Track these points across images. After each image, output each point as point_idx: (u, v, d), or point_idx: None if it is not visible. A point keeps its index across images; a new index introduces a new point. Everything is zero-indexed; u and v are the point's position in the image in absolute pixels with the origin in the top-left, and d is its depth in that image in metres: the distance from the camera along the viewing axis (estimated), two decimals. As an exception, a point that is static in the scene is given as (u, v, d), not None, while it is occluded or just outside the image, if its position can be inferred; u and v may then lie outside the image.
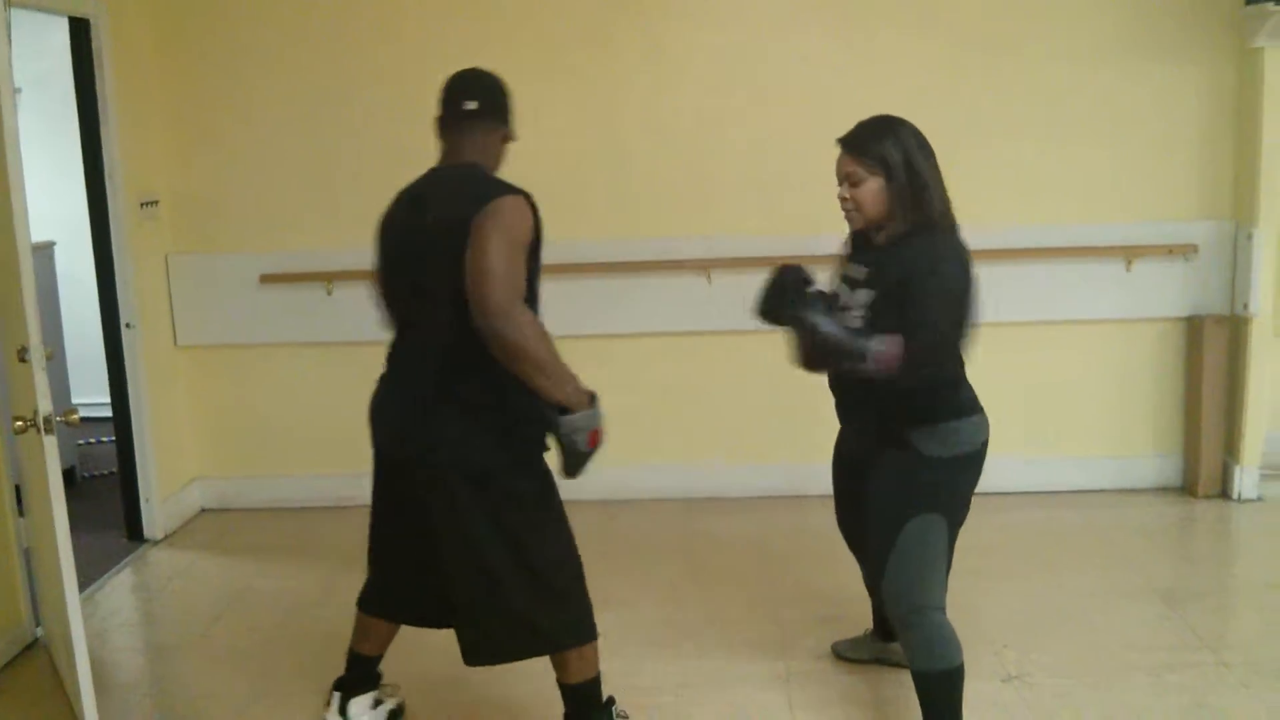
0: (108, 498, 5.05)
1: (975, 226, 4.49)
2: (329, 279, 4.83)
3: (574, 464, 2.71)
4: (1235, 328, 4.71)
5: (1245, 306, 4.65)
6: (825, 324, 2.70)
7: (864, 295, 2.82)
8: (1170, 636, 3.66)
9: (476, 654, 2.88)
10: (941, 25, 4.68)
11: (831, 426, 3.19)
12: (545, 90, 4.64)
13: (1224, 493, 4.82)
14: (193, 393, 5.04)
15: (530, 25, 4.74)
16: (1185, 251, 4.71)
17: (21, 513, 3.79)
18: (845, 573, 3.56)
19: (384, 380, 2.92)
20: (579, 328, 4.52)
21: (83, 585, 4.10)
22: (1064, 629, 3.73)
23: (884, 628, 3.43)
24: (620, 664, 3.48)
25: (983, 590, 4.00)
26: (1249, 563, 4.39)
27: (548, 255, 2.79)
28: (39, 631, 3.83)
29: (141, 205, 4.68)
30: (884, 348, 2.66)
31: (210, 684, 3.57)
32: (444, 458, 2.73)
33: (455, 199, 2.68)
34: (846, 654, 3.56)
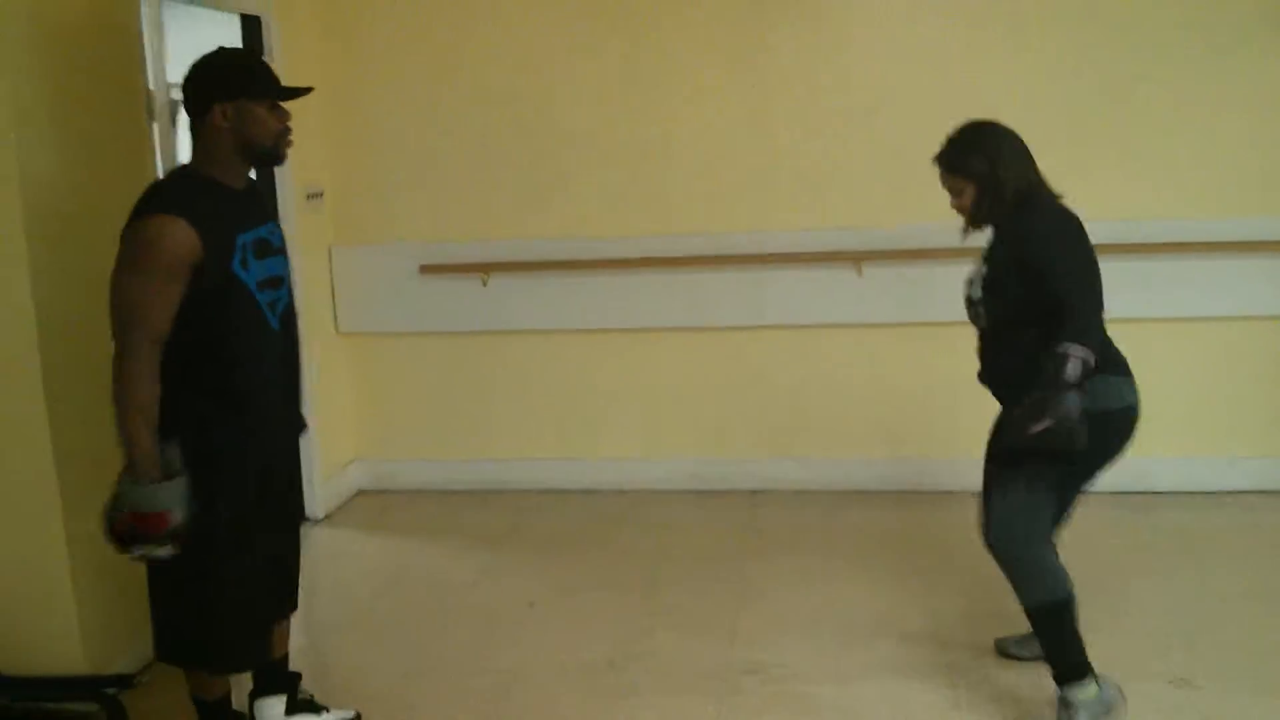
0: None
1: (1131, 222, 4.49)
2: (485, 270, 4.94)
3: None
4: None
5: None
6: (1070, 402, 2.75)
7: (983, 269, 3.05)
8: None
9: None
10: (1090, 13, 4.58)
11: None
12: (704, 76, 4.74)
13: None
14: (352, 378, 5.21)
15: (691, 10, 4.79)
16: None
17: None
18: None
19: None
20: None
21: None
22: (1227, 632, 3.62)
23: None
24: (775, 654, 3.53)
25: (1142, 589, 3.93)
26: None
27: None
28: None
29: (308, 197, 4.84)
30: (1067, 352, 2.73)
31: (370, 658, 3.68)
32: None
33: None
34: (1011, 651, 3.52)
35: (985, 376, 3.14)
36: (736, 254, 4.81)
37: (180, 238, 2.49)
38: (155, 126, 3.75)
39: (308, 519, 4.90)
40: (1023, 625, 3.43)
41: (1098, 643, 3.47)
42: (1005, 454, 3.02)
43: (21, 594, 3.35)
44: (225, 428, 2.68)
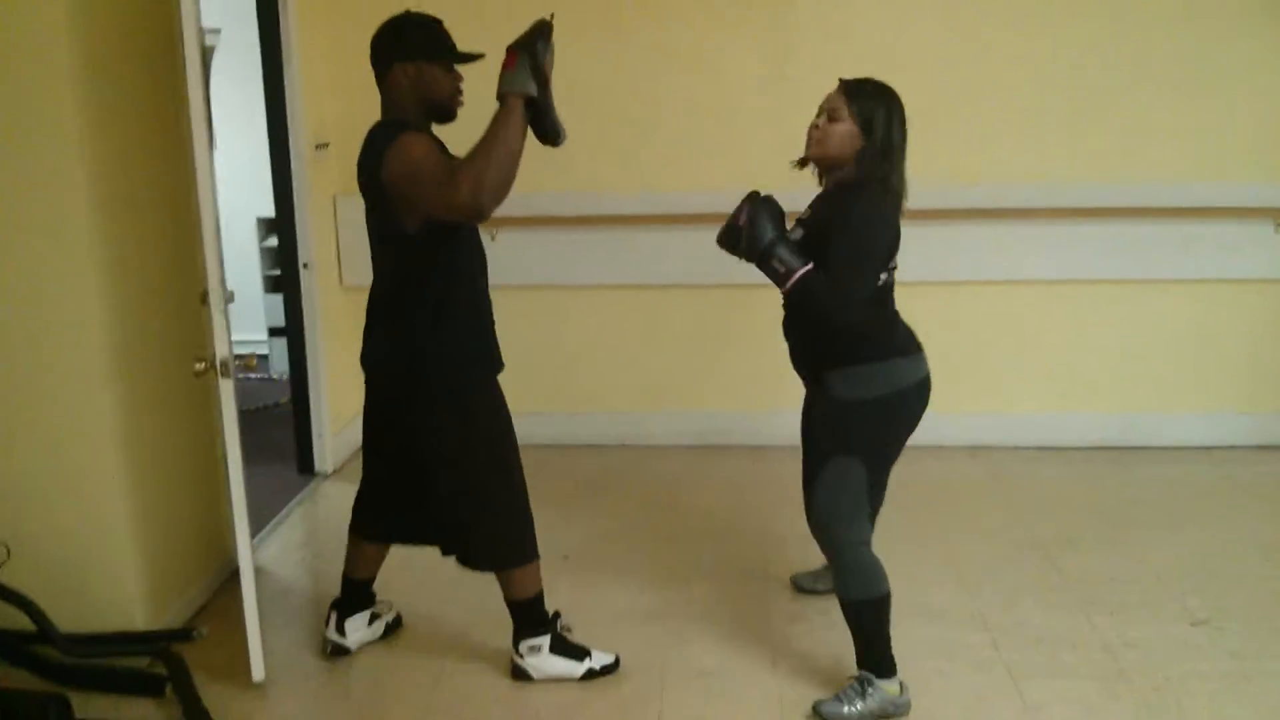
0: (266, 432, 5.21)
1: (1123, 185, 4.70)
2: (494, 225, 4.93)
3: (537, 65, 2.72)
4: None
5: (1392, 269, 4.73)
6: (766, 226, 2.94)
7: (798, 233, 3.05)
8: (1345, 587, 3.80)
9: (469, 561, 3.18)
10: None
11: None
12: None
13: (1363, 450, 4.94)
14: (356, 331, 5.14)
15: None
16: (1336, 214, 4.79)
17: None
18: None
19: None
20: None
21: (266, 518, 4.35)
22: (1238, 577, 3.86)
23: None
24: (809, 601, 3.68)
25: (1149, 540, 4.15)
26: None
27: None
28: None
29: (315, 148, 4.78)
30: (796, 265, 2.88)
31: (423, 609, 3.71)
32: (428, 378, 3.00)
33: (363, 159, 2.90)
34: (806, 585, 3.77)
35: (793, 347, 3.21)
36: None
37: (427, 141, 2.80)
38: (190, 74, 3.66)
39: (318, 473, 4.90)
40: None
41: (1115, 591, 3.74)
42: (819, 445, 3.12)
43: (80, 553, 3.34)
44: (482, 354, 3.06)
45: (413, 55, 2.87)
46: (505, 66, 2.71)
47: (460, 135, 2.86)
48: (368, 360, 3.13)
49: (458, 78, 2.94)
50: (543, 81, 2.72)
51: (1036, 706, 3.10)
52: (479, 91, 2.96)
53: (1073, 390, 5.11)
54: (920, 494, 4.53)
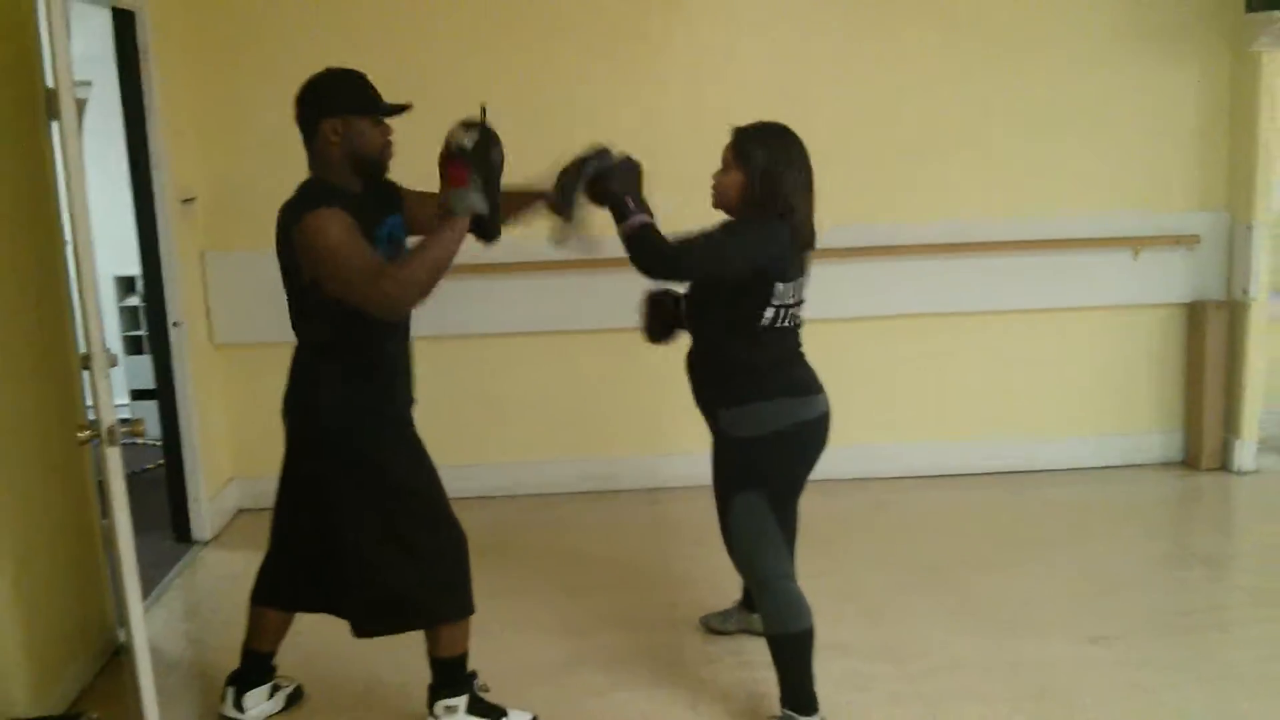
0: (138, 499, 4.93)
1: (990, 219, 4.89)
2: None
3: (489, 175, 2.72)
4: (1234, 312, 5.06)
5: (1245, 292, 5.00)
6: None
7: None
8: (1224, 596, 3.99)
9: (361, 627, 3.05)
10: (955, 23, 4.92)
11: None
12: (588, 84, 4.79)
13: (1224, 466, 5.18)
14: (227, 392, 4.98)
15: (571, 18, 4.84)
16: (1189, 241, 5.05)
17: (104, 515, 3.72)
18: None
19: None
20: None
21: (146, 590, 4.11)
22: (1126, 593, 3.99)
23: (749, 600, 3.63)
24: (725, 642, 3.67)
25: (1039, 559, 4.28)
26: (1267, 527, 4.69)
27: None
28: (122, 634, 3.77)
29: (182, 202, 4.60)
30: (641, 218, 2.90)
31: (326, 674, 3.56)
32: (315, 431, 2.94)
33: (279, 228, 2.85)
34: (716, 626, 3.77)
35: (694, 385, 3.21)
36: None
37: (343, 218, 2.71)
38: (57, 126, 3.50)
39: (195, 540, 4.67)
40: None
41: (1015, 612, 3.83)
42: (719, 483, 3.14)
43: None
44: (389, 405, 2.99)
45: (338, 110, 2.82)
46: (454, 180, 2.69)
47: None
48: (283, 410, 3.01)
49: (387, 130, 2.90)
50: (494, 188, 2.72)
51: (955, 733, 3.14)
52: (406, 134, 2.98)
53: (952, 419, 5.24)
54: (814, 527, 4.50)
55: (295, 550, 3.11)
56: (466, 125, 2.72)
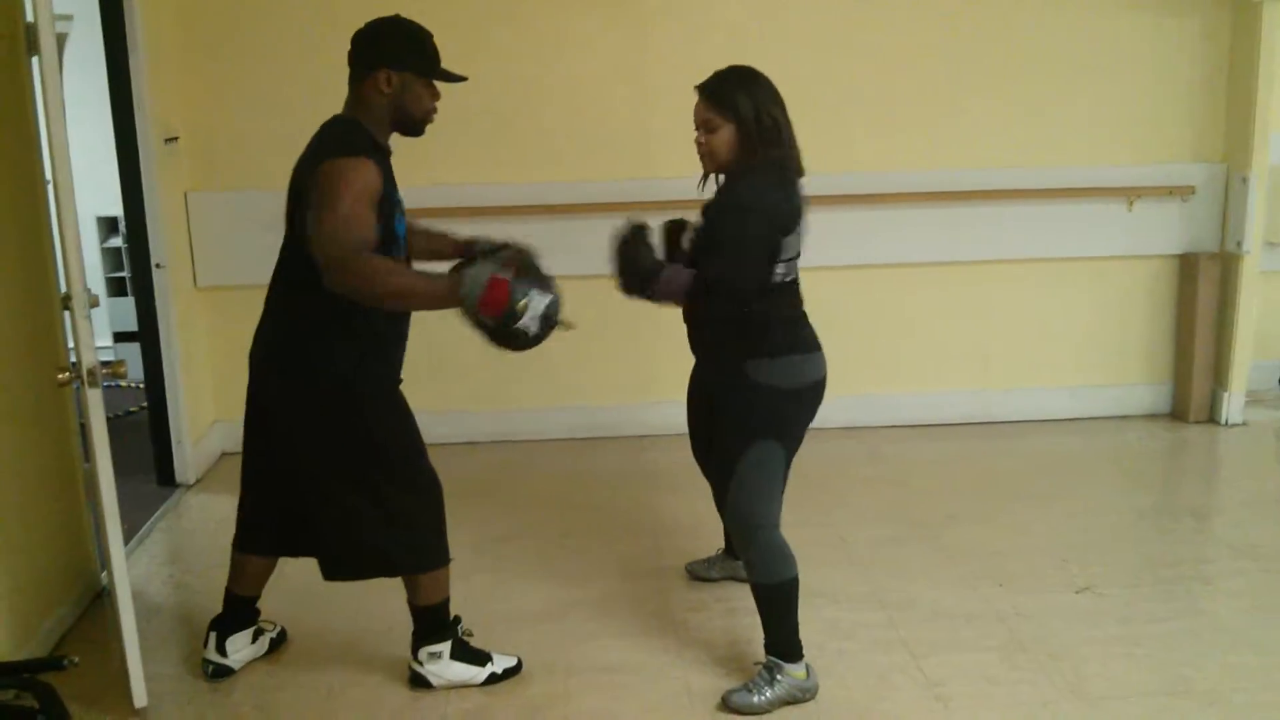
0: (121, 442, 4.88)
1: (983, 169, 4.83)
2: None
3: (500, 337, 2.73)
4: (1226, 264, 5.04)
5: (1239, 244, 4.98)
6: (633, 248, 2.97)
7: (699, 221, 3.05)
8: (1210, 549, 3.98)
9: (330, 571, 3.06)
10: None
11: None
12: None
13: (1212, 418, 5.19)
14: (211, 335, 4.93)
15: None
16: (1184, 193, 5.01)
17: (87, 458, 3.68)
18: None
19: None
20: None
21: (129, 534, 4.10)
22: (1113, 544, 4.00)
23: (733, 547, 3.63)
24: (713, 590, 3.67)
25: (1028, 511, 4.27)
26: (1253, 481, 4.70)
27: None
28: (105, 578, 3.75)
29: (165, 142, 4.52)
30: (669, 275, 2.91)
31: (312, 625, 3.54)
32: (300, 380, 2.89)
33: (307, 152, 2.78)
34: (700, 573, 3.78)
35: (700, 346, 3.21)
36: (623, 201, 4.83)
37: (374, 178, 2.66)
38: (36, 61, 3.42)
39: (179, 484, 4.64)
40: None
41: (1001, 563, 3.83)
42: (737, 430, 3.05)
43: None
44: (379, 364, 2.93)
45: (400, 64, 2.76)
46: (492, 293, 2.61)
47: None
48: (252, 357, 2.96)
49: (437, 95, 2.85)
50: (507, 334, 2.70)
51: (939, 681, 3.14)
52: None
53: (943, 369, 5.22)
54: (804, 475, 4.49)
55: (273, 497, 3.08)
56: (544, 286, 2.70)
